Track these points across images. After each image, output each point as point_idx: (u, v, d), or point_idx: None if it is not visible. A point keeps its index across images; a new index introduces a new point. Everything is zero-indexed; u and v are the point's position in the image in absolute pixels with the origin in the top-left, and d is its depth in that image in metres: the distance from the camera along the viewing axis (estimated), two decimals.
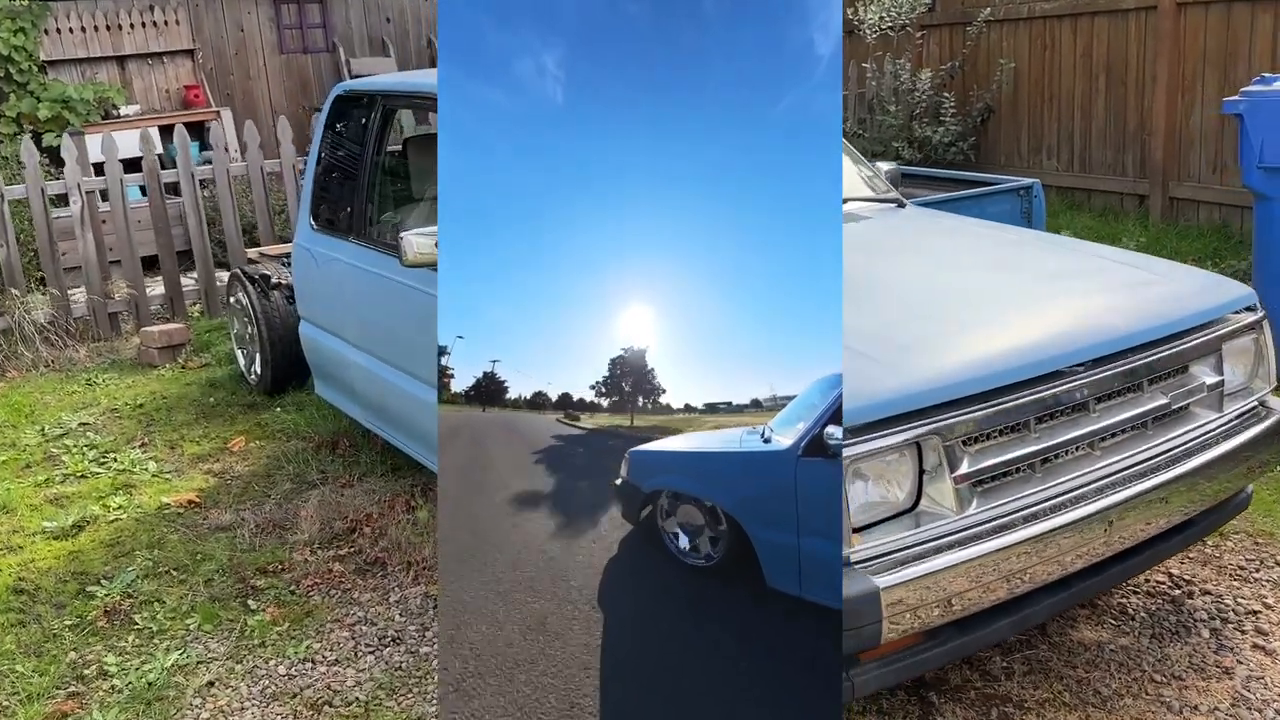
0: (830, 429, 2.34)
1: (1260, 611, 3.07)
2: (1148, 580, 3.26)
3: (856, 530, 2.26)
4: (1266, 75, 4.61)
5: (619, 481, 3.63)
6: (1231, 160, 6.98)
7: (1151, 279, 2.99)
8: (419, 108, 4.62)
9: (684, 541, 3.10)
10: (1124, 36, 7.57)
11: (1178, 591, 3.21)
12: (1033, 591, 2.47)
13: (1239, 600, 3.14)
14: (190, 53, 9.92)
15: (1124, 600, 3.17)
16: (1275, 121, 4.40)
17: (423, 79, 4.21)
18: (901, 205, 3.82)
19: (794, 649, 2.52)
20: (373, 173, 4.08)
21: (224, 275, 6.96)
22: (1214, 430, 2.80)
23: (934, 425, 2.31)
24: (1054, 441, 2.49)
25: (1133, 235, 7.05)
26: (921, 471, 2.34)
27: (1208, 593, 3.19)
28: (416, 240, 3.22)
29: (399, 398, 3.82)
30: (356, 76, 10.95)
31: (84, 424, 5.16)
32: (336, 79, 10.87)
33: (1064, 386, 2.50)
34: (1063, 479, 2.53)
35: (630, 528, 3.57)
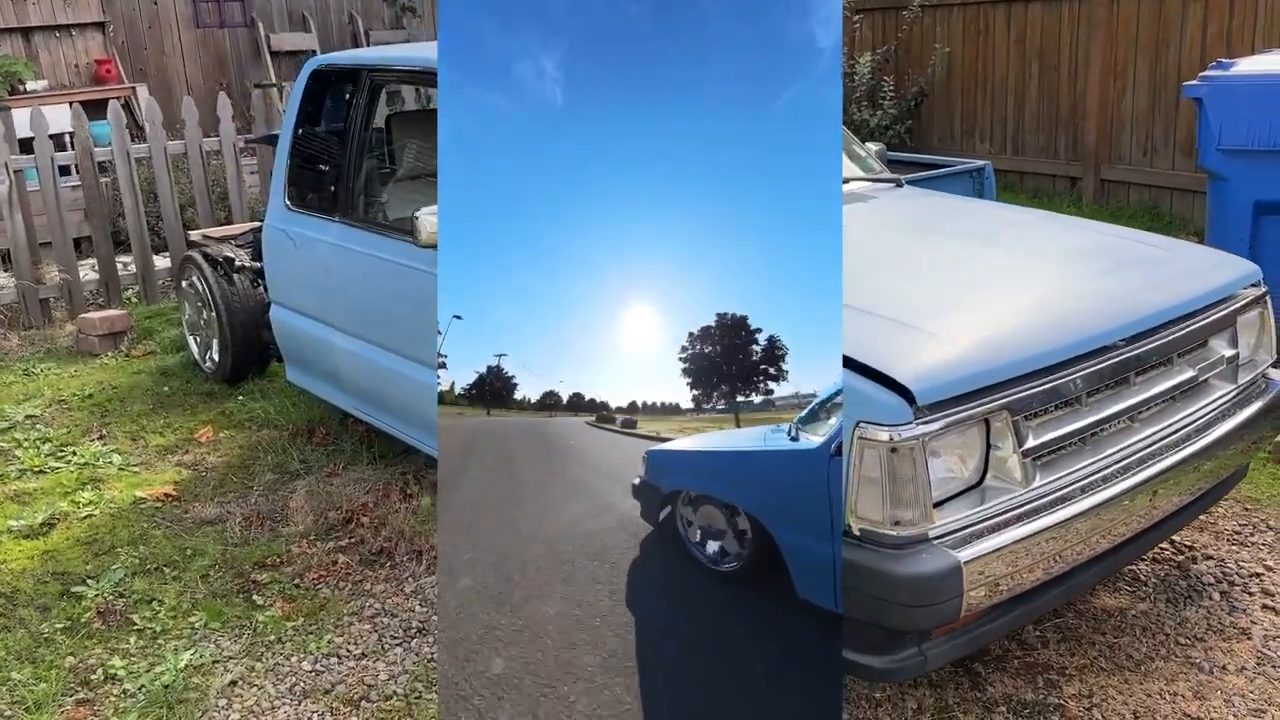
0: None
1: (1263, 573, 3.22)
2: (1153, 548, 3.37)
3: (935, 506, 2.28)
4: (1223, 60, 4.80)
5: (637, 481, 3.53)
6: (1162, 144, 7.28)
7: (1168, 256, 3.08)
8: (409, 82, 4.47)
9: (705, 544, 3.00)
10: (1057, 23, 7.79)
11: (1181, 557, 3.34)
12: (1083, 562, 2.53)
13: (1240, 564, 3.28)
14: (101, 25, 9.43)
15: (1133, 568, 3.28)
16: (1234, 105, 4.58)
17: (410, 53, 4.09)
18: (899, 185, 3.86)
19: (801, 651, 2.52)
20: (360, 150, 3.93)
21: (161, 258, 6.67)
22: (1231, 401, 2.91)
23: (1004, 400, 2.34)
24: (1105, 414, 2.55)
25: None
26: (989, 446, 2.37)
27: (1210, 557, 3.32)
28: (431, 220, 3.13)
29: (397, 383, 3.71)
30: (276, 53, 10.59)
31: (31, 416, 4.88)
32: (255, 55, 10.49)
33: (1112, 360, 2.56)
34: (1108, 451, 2.59)
35: (650, 529, 3.50)
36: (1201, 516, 3.52)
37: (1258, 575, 3.21)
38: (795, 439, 2.64)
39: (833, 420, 2.43)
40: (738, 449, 3.03)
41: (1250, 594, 3.13)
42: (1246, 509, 3.58)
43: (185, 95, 6.80)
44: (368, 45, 10.84)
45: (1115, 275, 2.91)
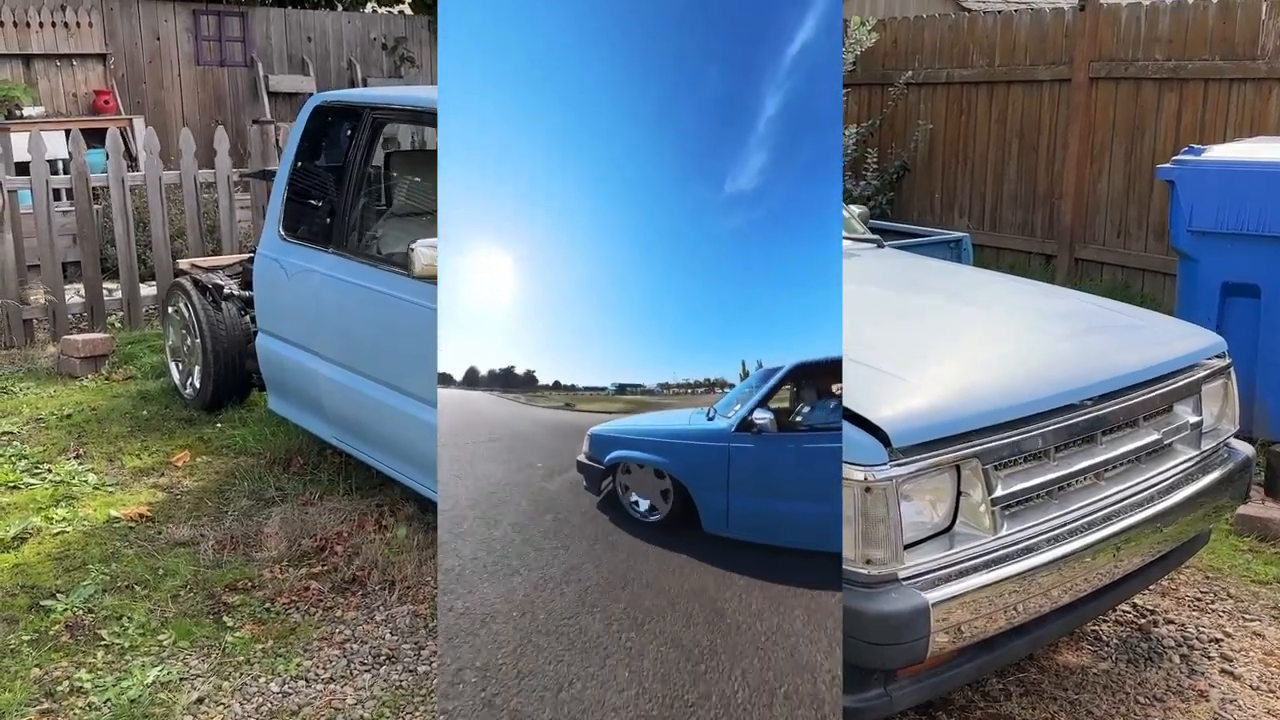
0: (759, 412, 2.99)
1: (1222, 639, 3.28)
2: (1114, 610, 3.43)
3: (906, 548, 2.33)
4: (1195, 146, 4.98)
5: (581, 458, 3.96)
6: (1135, 227, 7.48)
7: (1137, 323, 3.19)
8: (410, 121, 4.57)
9: (639, 503, 3.56)
10: (1038, 106, 8.04)
11: (1144, 620, 3.40)
12: (1046, 613, 2.59)
13: (1200, 629, 3.34)
14: (102, 57, 9.55)
15: (1096, 628, 3.34)
16: (1204, 189, 4.75)
17: (413, 93, 4.19)
18: (880, 245, 3.97)
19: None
20: (358, 185, 4.01)
21: (147, 286, 6.70)
22: (1195, 466, 3.00)
23: (975, 448, 2.42)
24: (1072, 469, 2.63)
25: None
26: (959, 493, 2.44)
27: (1171, 622, 3.39)
28: (427, 252, 3.19)
29: (381, 413, 3.75)
30: (274, 93, 10.73)
31: (7, 434, 4.87)
32: (253, 95, 10.63)
33: (1080, 418, 2.65)
34: (1074, 506, 2.66)
35: (596, 499, 3.86)
36: (1163, 582, 3.60)
37: (1217, 640, 3.27)
38: (711, 419, 3.34)
39: (738, 406, 3.18)
40: (669, 427, 3.63)
41: (1210, 658, 3.19)
42: (1208, 577, 3.66)
43: (182, 128, 6.89)
44: None
45: (1086, 337, 3.01)
